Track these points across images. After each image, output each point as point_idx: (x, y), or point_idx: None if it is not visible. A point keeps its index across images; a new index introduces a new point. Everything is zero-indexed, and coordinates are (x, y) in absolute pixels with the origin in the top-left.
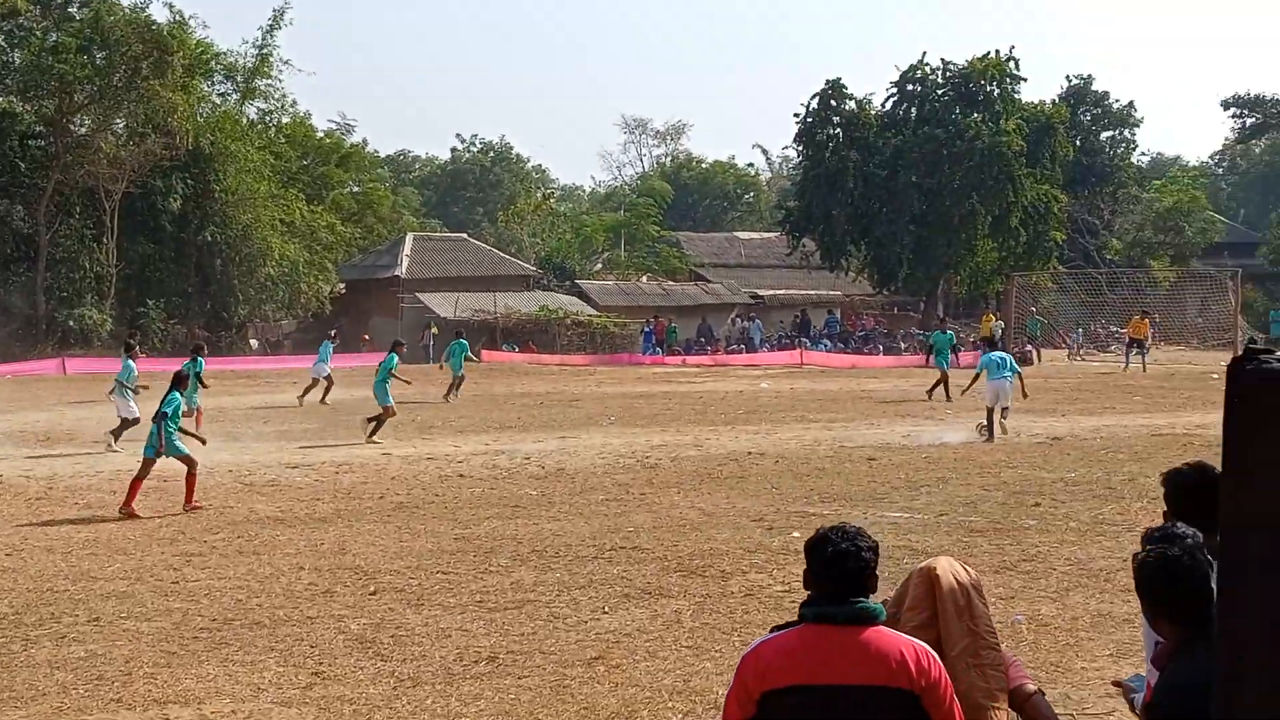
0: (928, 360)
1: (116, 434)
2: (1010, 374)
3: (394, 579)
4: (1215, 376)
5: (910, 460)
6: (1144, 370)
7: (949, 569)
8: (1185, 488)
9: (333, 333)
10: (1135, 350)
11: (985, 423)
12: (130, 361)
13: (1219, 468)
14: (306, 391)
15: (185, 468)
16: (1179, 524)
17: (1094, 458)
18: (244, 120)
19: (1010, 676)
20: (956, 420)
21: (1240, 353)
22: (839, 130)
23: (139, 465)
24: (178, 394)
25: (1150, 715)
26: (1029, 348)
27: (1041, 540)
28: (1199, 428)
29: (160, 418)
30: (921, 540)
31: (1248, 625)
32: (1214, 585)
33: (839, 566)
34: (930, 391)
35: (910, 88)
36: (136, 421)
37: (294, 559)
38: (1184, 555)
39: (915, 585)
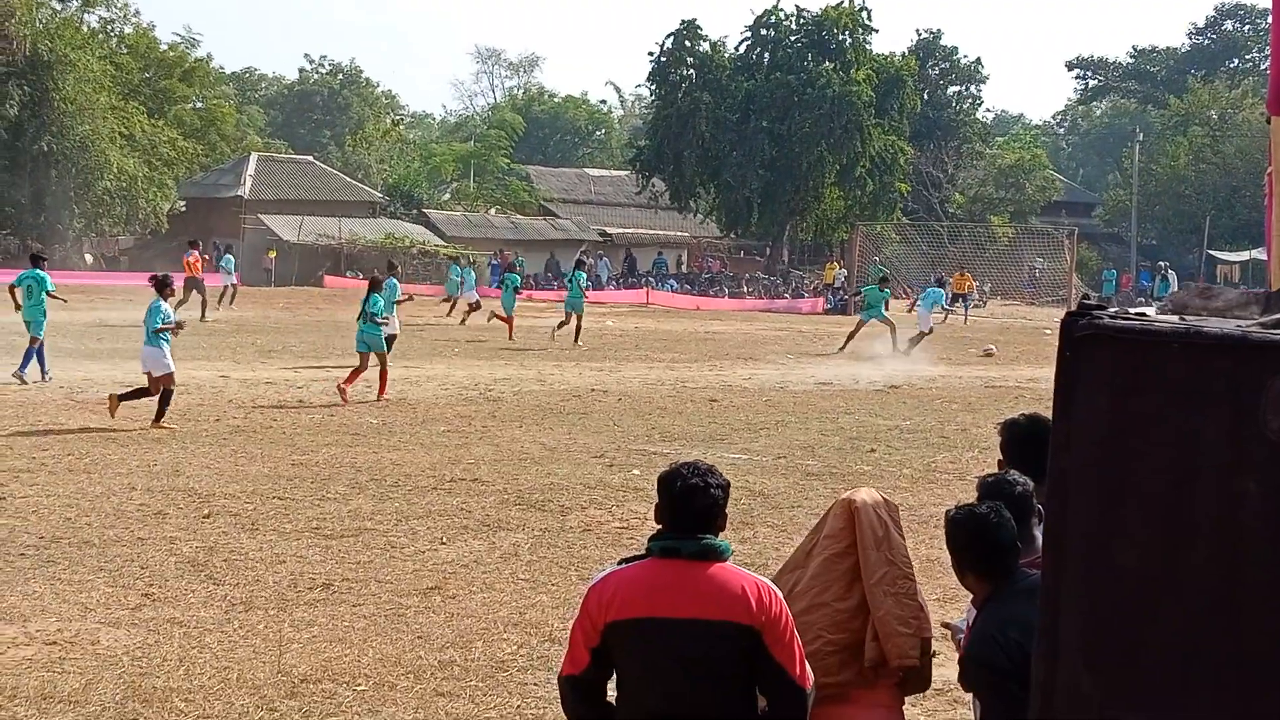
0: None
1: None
2: (930, 305)
3: (228, 503)
4: (1048, 331)
5: (751, 403)
6: (964, 323)
7: (869, 500)
8: (1019, 438)
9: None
10: (959, 303)
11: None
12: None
13: (1048, 418)
14: (453, 310)
15: (377, 364)
16: (1012, 471)
17: (929, 407)
18: (85, 29)
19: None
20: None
21: (1074, 308)
22: (692, 71)
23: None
24: (377, 296)
25: (965, 663)
26: None
27: (876, 486)
28: (1031, 381)
29: (366, 317)
30: (759, 482)
31: (1069, 572)
32: (1038, 534)
33: (688, 501)
34: (895, 345)
35: (764, 33)
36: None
37: (126, 479)
38: (990, 513)
39: (835, 516)
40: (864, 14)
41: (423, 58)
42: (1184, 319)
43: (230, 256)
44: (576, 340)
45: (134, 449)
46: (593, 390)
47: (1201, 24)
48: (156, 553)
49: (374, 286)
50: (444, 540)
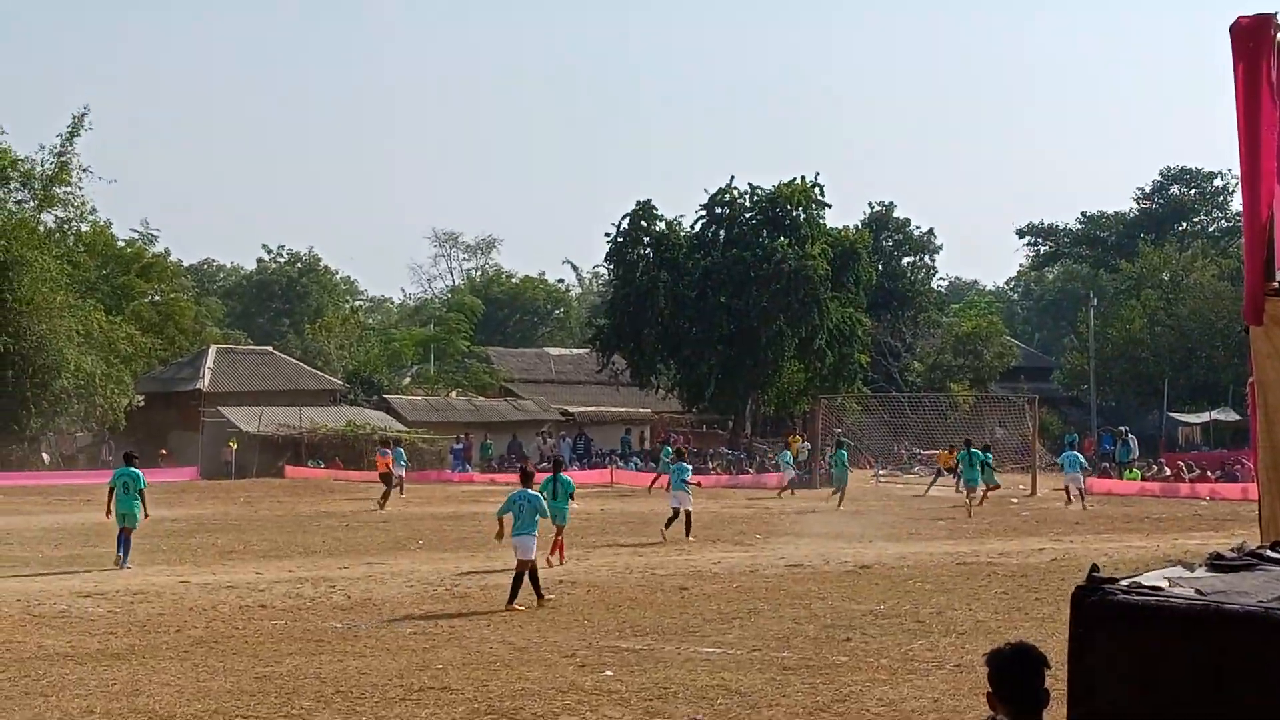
0: (958, 482)
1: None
2: (1078, 468)
3: None
4: (1014, 501)
5: (722, 590)
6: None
7: None
8: (1005, 669)
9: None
10: (944, 475)
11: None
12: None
13: (1036, 648)
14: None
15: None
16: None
17: (902, 588)
18: (41, 228)
19: None
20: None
21: (1083, 582)
22: (649, 250)
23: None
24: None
25: None
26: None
27: (853, 679)
28: (1001, 555)
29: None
30: (735, 679)
31: None
32: None
33: None
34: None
35: (719, 210)
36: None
37: (84, 701)
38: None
39: None
40: (817, 189)
41: (380, 243)
42: (1202, 593)
43: (401, 450)
44: (839, 505)
45: (92, 667)
46: (560, 581)
47: (1148, 189)
48: None
49: (556, 467)
50: None
